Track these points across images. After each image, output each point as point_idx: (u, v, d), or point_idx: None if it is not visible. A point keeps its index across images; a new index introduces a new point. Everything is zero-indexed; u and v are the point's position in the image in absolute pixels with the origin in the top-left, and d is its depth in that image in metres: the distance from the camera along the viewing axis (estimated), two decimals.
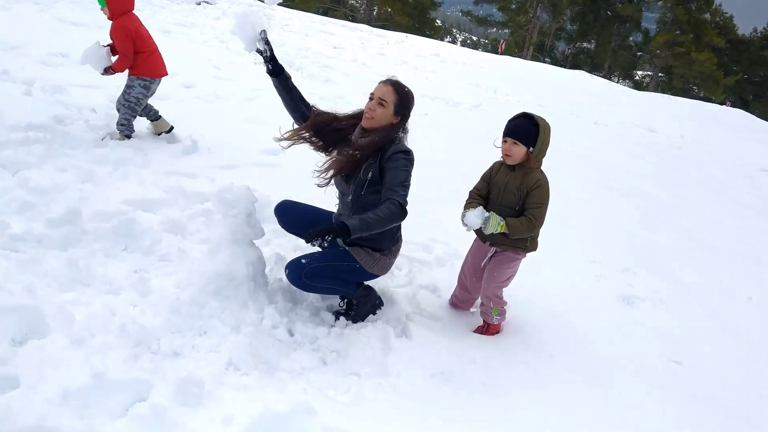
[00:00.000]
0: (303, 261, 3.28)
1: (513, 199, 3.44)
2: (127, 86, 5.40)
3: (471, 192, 3.66)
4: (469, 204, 3.54)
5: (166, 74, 5.64)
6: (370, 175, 3.27)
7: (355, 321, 3.49)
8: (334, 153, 3.50)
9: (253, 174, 5.35)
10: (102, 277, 3.41)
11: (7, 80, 6.24)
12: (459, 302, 3.95)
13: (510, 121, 3.47)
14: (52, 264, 3.36)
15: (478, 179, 3.68)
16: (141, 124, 5.86)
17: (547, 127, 3.41)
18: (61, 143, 5.02)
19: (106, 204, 4.18)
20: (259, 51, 3.35)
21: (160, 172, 4.94)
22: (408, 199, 3.16)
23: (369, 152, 3.26)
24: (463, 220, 3.39)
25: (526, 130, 3.38)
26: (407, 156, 3.25)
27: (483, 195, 3.60)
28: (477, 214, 3.32)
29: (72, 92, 6.17)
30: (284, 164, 5.86)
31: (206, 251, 3.50)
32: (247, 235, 3.46)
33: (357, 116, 3.46)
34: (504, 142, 3.45)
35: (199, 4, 16.24)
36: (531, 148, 3.37)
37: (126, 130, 5.47)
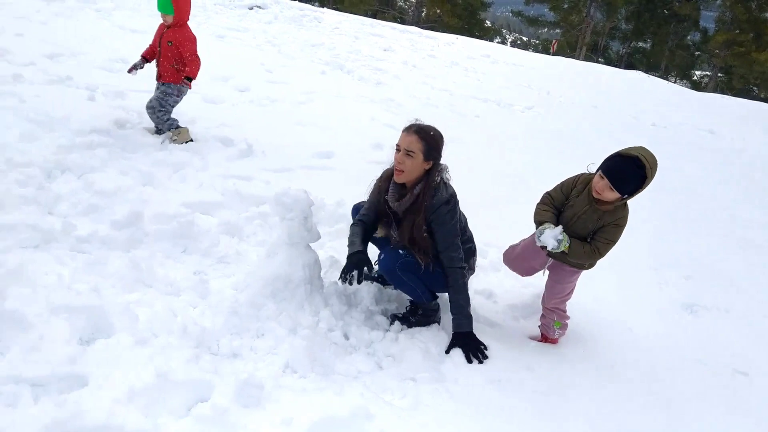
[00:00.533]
0: (401, 252, 3.31)
1: (585, 230, 3.28)
2: (167, 93, 5.48)
3: (545, 198, 3.46)
4: (542, 212, 3.38)
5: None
6: None
7: (410, 326, 3.48)
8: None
9: (306, 177, 5.40)
10: (163, 279, 3.49)
11: (72, 86, 6.47)
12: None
13: (616, 158, 3.07)
14: (116, 265, 3.45)
15: (556, 185, 3.45)
16: (197, 125, 6.00)
17: (654, 172, 3.02)
18: (123, 147, 5.17)
19: (166, 206, 4.27)
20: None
21: (217, 175, 5.03)
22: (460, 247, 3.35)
23: (423, 223, 3.23)
24: (539, 238, 3.25)
25: (630, 180, 3.02)
26: (448, 204, 3.23)
27: (557, 206, 3.39)
28: (555, 235, 3.20)
29: (132, 97, 6.35)
30: (336, 167, 5.91)
31: (263, 254, 3.54)
32: (303, 238, 3.49)
33: (388, 177, 3.40)
34: (600, 177, 3.09)
35: (251, 8, 16.53)
36: (625, 196, 3.09)
37: (174, 122, 5.60)
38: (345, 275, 3.28)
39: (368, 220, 3.50)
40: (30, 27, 8.75)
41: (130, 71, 5.59)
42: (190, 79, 5.38)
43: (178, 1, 5.25)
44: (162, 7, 5.26)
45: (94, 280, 3.26)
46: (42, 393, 2.44)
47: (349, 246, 3.42)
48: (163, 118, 5.50)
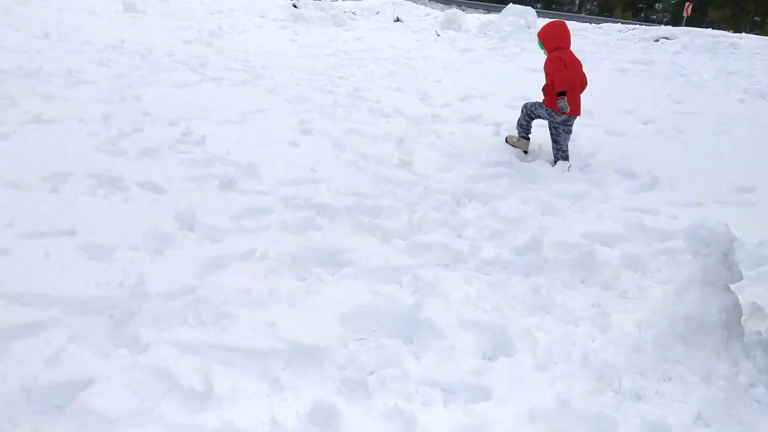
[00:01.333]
0: None
1: None
2: (539, 106, 5.84)
3: None
4: None
5: (578, 114, 5.80)
6: None
7: None
8: None
9: (721, 212, 4.81)
10: (561, 306, 3.44)
11: (480, 123, 7.07)
12: None
13: None
14: (517, 288, 3.55)
15: None
16: (597, 157, 5.89)
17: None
18: (524, 178, 5.42)
19: (565, 236, 4.25)
20: None
21: (618, 207, 4.85)
22: None
23: None
24: None
25: None
26: None
27: None
28: None
29: (534, 133, 6.53)
30: (758, 203, 5.17)
31: (671, 291, 3.21)
32: (721, 277, 3.06)
33: None
34: None
35: (657, 41, 15.85)
36: None
37: (522, 131, 6.03)
38: None
39: None
40: (447, 74, 9.90)
41: None
42: (563, 93, 5.44)
43: (542, 37, 5.85)
44: (540, 45, 5.92)
45: (496, 300, 3.40)
46: (451, 398, 2.59)
47: None
48: (521, 121, 6.00)
